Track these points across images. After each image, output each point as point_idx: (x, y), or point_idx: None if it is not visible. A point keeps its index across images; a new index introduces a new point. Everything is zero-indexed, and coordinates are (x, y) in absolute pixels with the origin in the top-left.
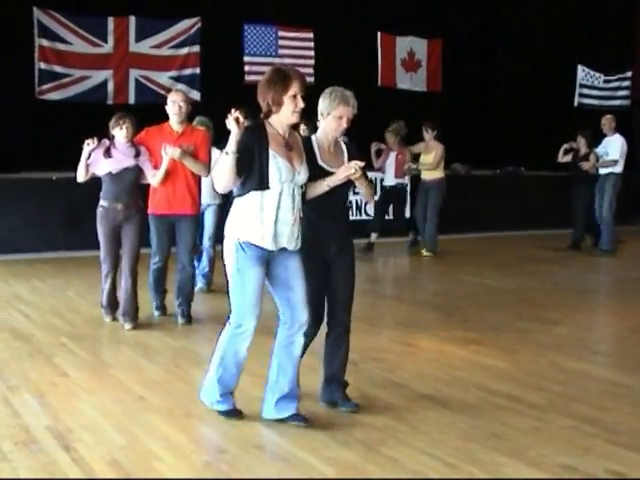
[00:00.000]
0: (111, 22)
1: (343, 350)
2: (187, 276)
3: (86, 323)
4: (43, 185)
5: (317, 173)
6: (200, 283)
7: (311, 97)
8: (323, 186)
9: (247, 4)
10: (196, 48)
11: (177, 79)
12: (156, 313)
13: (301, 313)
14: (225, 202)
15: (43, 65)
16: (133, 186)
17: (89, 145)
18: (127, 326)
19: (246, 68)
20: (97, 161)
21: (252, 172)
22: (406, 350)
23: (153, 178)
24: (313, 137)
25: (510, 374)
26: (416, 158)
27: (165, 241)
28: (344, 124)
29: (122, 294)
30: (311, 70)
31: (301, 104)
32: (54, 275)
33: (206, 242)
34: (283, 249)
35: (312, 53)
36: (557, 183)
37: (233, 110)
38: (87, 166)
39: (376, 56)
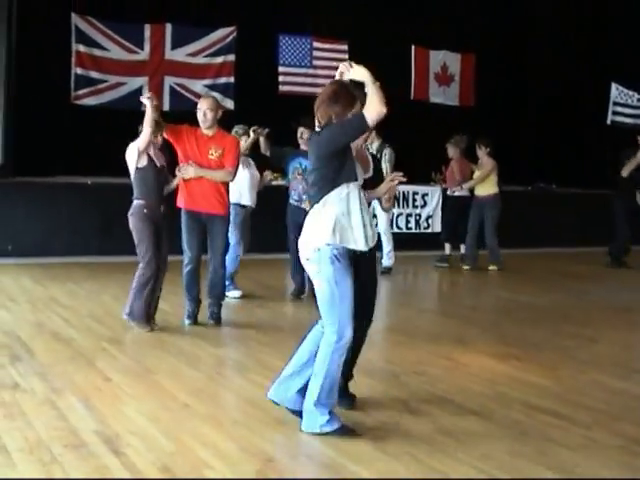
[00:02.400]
0: (148, 29)
1: (361, 345)
2: (218, 277)
3: (125, 328)
4: (78, 190)
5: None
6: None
7: None
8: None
9: (283, 14)
10: (231, 57)
11: (212, 87)
12: (186, 322)
13: (347, 329)
14: None
15: (79, 70)
16: (163, 189)
17: (149, 99)
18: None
19: (280, 78)
20: (139, 155)
21: (330, 172)
22: (447, 364)
23: (167, 185)
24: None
25: (552, 391)
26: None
27: (195, 241)
28: (366, 136)
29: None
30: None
31: None
32: (89, 279)
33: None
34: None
35: None
36: (588, 200)
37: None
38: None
39: (409, 69)
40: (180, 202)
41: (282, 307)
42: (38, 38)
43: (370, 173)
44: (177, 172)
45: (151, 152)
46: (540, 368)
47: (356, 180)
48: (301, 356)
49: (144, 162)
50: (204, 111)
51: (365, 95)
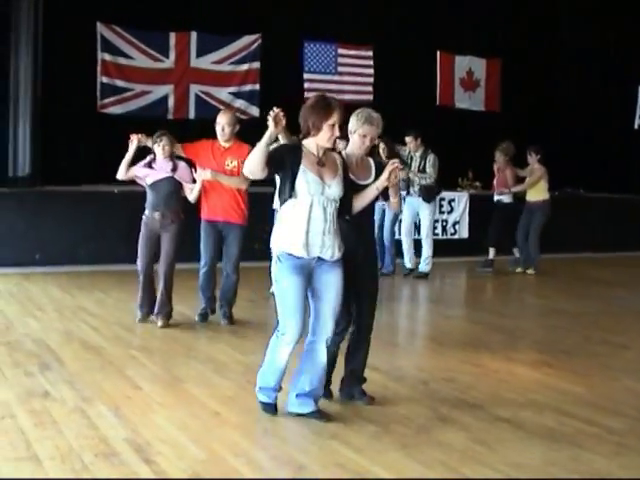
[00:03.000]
0: (173, 37)
1: (364, 348)
2: (230, 283)
3: (153, 336)
4: (104, 198)
5: (347, 185)
6: None
7: None
8: (373, 190)
9: (307, 21)
10: (256, 64)
11: (237, 95)
12: (197, 319)
13: (325, 325)
14: None
15: (105, 79)
16: (170, 197)
17: (132, 141)
18: (159, 323)
19: (306, 85)
20: (139, 168)
21: (285, 182)
22: (477, 371)
23: (190, 194)
24: (343, 153)
25: (585, 398)
26: (522, 181)
27: (210, 246)
28: (367, 142)
29: (158, 296)
30: (370, 88)
31: (337, 133)
32: (117, 287)
33: None
34: (322, 260)
35: (371, 71)
36: (616, 205)
37: (276, 109)
38: (128, 166)
39: (435, 75)
40: (201, 213)
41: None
42: (64, 47)
43: (370, 180)
44: (195, 176)
45: (154, 165)
46: (572, 375)
47: (316, 192)
48: (298, 366)
49: (141, 175)
50: (222, 126)
51: (343, 109)
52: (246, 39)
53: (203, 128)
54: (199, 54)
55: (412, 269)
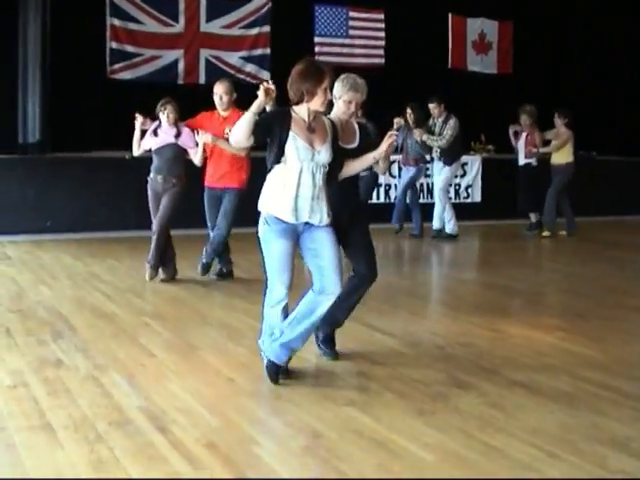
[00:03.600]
0: (182, 2)
1: (354, 298)
2: (218, 235)
3: (166, 303)
4: (115, 164)
5: (336, 150)
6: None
7: (381, 79)
8: (369, 158)
9: None
10: (266, 28)
11: (247, 59)
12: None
13: (332, 280)
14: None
15: (115, 45)
16: (172, 162)
17: (137, 121)
18: (146, 276)
19: (316, 49)
20: (146, 138)
21: (272, 147)
22: (493, 335)
23: (194, 157)
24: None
25: (600, 362)
26: (547, 144)
27: (212, 214)
28: (352, 108)
29: (151, 249)
30: (381, 51)
31: (329, 96)
32: (129, 254)
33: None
34: (310, 224)
35: (382, 34)
36: (630, 168)
37: (269, 81)
38: (139, 142)
39: (447, 38)
40: (205, 181)
41: None
42: (73, 13)
43: (355, 144)
44: (197, 139)
45: (160, 131)
46: (586, 339)
47: (306, 159)
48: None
49: (147, 147)
50: (220, 95)
51: (331, 73)
52: (256, 2)
53: (213, 93)
54: (209, 18)
55: (440, 230)
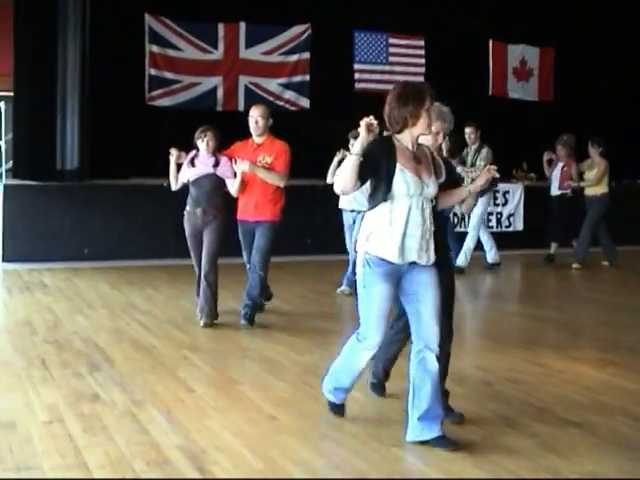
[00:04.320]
0: (221, 28)
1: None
2: (256, 278)
3: (206, 335)
4: (153, 191)
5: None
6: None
7: None
8: (464, 192)
9: (358, 10)
10: (306, 55)
11: (287, 86)
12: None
13: (430, 328)
14: None
15: (153, 71)
16: (212, 193)
17: (173, 155)
18: (201, 322)
19: (356, 76)
20: (183, 169)
21: (379, 184)
22: (540, 371)
23: (231, 188)
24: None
25: None
26: (581, 175)
27: (247, 248)
28: (440, 139)
29: (200, 295)
30: (421, 78)
31: (433, 118)
32: (167, 284)
33: (349, 245)
34: (414, 263)
35: (423, 61)
36: None
37: (368, 118)
38: (176, 176)
39: (487, 64)
40: (237, 214)
41: None
42: (112, 39)
43: (443, 178)
44: (235, 168)
45: (197, 161)
46: (639, 375)
47: (415, 193)
48: (410, 390)
49: (184, 179)
50: (256, 119)
51: (432, 91)
52: (296, 29)
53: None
54: (248, 45)
55: (494, 263)
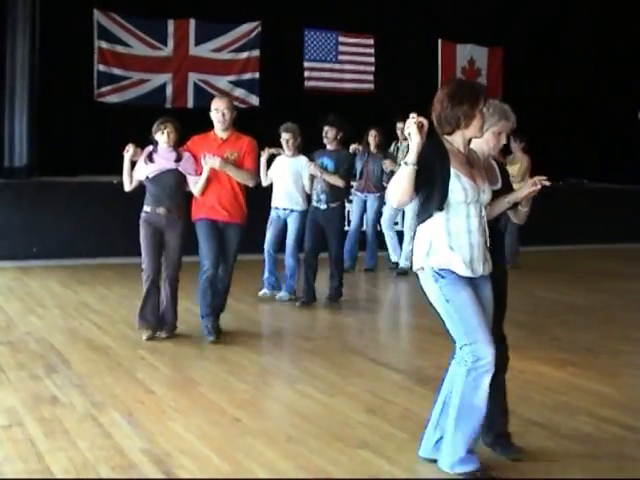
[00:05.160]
0: (171, 25)
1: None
2: (223, 288)
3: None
4: (103, 189)
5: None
6: (266, 289)
7: (371, 104)
8: (503, 203)
9: (308, 9)
10: (256, 52)
11: (236, 83)
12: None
13: (483, 347)
14: (307, 209)
15: (102, 67)
16: (174, 190)
17: (128, 152)
18: (163, 334)
19: (306, 74)
20: (138, 166)
21: (433, 192)
22: None
23: (195, 186)
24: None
25: (616, 400)
26: None
27: (214, 247)
28: (503, 140)
29: (161, 302)
30: (371, 77)
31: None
32: (118, 282)
33: (288, 249)
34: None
35: (372, 59)
36: (620, 196)
37: (414, 115)
38: (131, 174)
39: (436, 63)
40: (193, 214)
41: (317, 310)
42: (61, 35)
43: (499, 185)
44: (202, 163)
45: (156, 156)
46: (598, 375)
47: (472, 200)
48: (438, 404)
49: (142, 176)
50: (222, 111)
51: (485, 90)
52: (246, 27)
53: (202, 117)
54: (198, 42)
55: (397, 263)
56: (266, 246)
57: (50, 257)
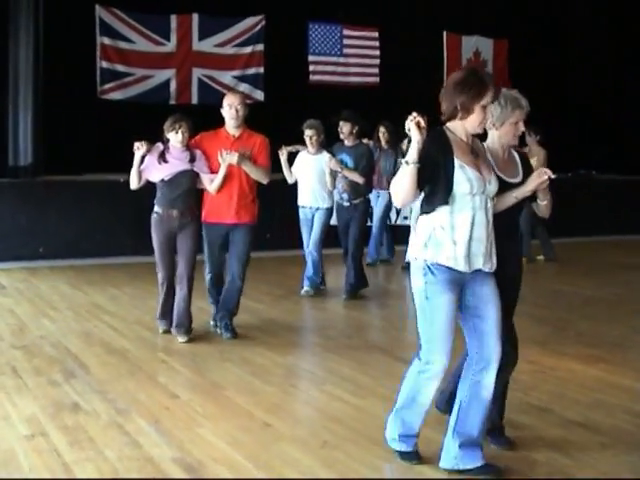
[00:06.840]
0: (174, 20)
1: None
2: (235, 288)
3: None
4: (110, 187)
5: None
6: (306, 286)
7: (376, 97)
8: (510, 198)
9: (312, 2)
10: (260, 47)
11: (241, 78)
12: (212, 323)
13: (493, 348)
14: (332, 205)
15: (105, 64)
16: (188, 192)
17: (139, 149)
18: (180, 339)
19: (310, 67)
20: (151, 167)
21: (437, 185)
22: (532, 369)
23: (210, 185)
24: (485, 146)
25: None
26: None
27: (216, 254)
28: (522, 127)
29: (176, 304)
30: (376, 70)
31: (489, 116)
32: (129, 282)
33: (311, 246)
34: (477, 271)
35: (377, 52)
36: (629, 187)
37: (414, 114)
38: (140, 172)
39: (442, 56)
40: (203, 216)
41: (337, 308)
42: (63, 32)
43: (519, 177)
44: (220, 160)
45: (169, 156)
46: (631, 371)
47: (478, 192)
48: (454, 413)
49: (156, 179)
50: (236, 107)
51: (496, 87)
52: (249, 21)
53: (206, 113)
54: (201, 37)
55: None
56: (309, 248)
57: (56, 257)
